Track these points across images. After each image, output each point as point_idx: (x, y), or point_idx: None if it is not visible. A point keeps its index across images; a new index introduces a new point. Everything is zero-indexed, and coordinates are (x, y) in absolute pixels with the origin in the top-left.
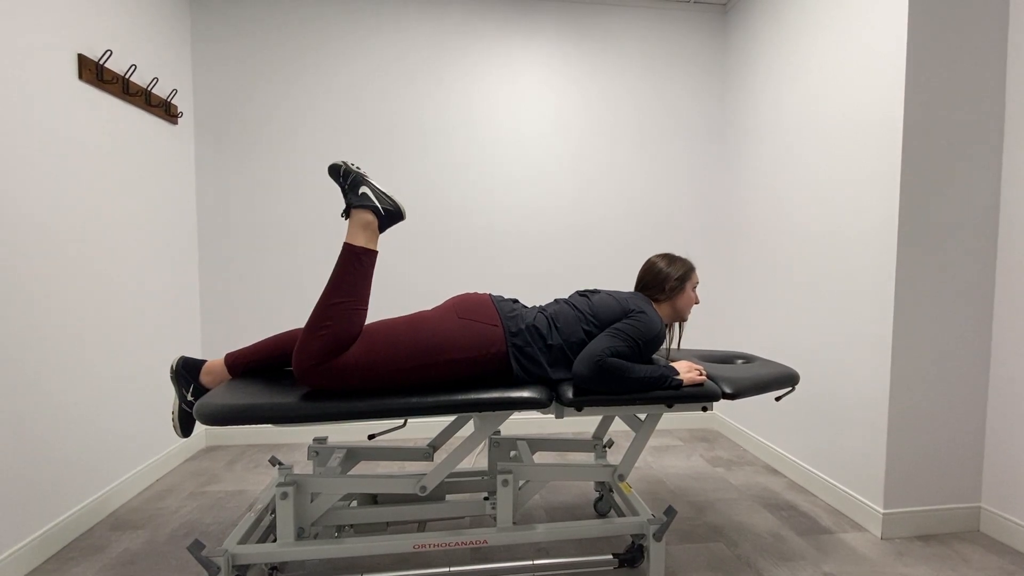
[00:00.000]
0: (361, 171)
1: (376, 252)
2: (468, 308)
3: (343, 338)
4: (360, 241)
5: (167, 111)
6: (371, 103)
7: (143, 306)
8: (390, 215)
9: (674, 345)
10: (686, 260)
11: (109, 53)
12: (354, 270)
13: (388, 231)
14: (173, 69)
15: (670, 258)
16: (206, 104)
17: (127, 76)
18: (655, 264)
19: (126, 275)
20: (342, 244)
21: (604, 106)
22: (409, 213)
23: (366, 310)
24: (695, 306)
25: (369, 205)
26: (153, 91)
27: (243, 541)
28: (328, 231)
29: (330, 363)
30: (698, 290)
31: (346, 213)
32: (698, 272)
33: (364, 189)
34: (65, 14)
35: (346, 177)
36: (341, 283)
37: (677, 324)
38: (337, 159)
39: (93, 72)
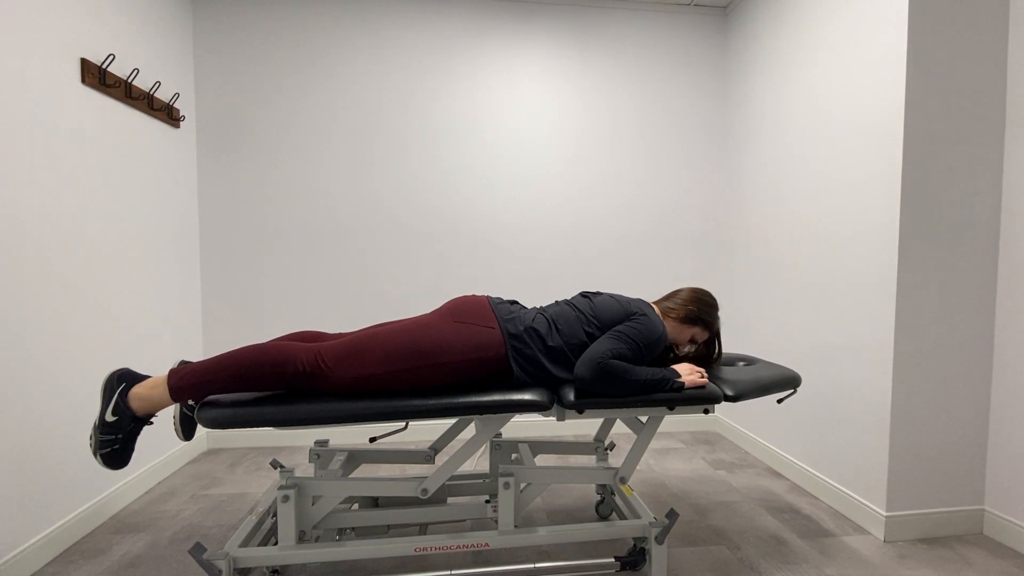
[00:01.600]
0: (89, 436)
1: (170, 371)
2: (464, 312)
3: (283, 359)
4: (163, 389)
5: (169, 115)
6: (372, 107)
7: (145, 308)
8: (120, 379)
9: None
10: (715, 315)
11: (112, 57)
12: (201, 376)
13: (385, 231)
14: (175, 73)
15: (702, 297)
16: (208, 108)
17: (129, 80)
18: (685, 290)
19: (128, 277)
20: (176, 403)
21: (605, 108)
22: (410, 215)
23: (243, 349)
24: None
25: (121, 403)
26: (155, 95)
27: (244, 544)
28: (330, 234)
29: (326, 368)
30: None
31: (149, 421)
32: (699, 276)
33: (107, 415)
34: (68, 19)
35: (110, 438)
36: (221, 379)
37: (715, 337)
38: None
39: (96, 76)
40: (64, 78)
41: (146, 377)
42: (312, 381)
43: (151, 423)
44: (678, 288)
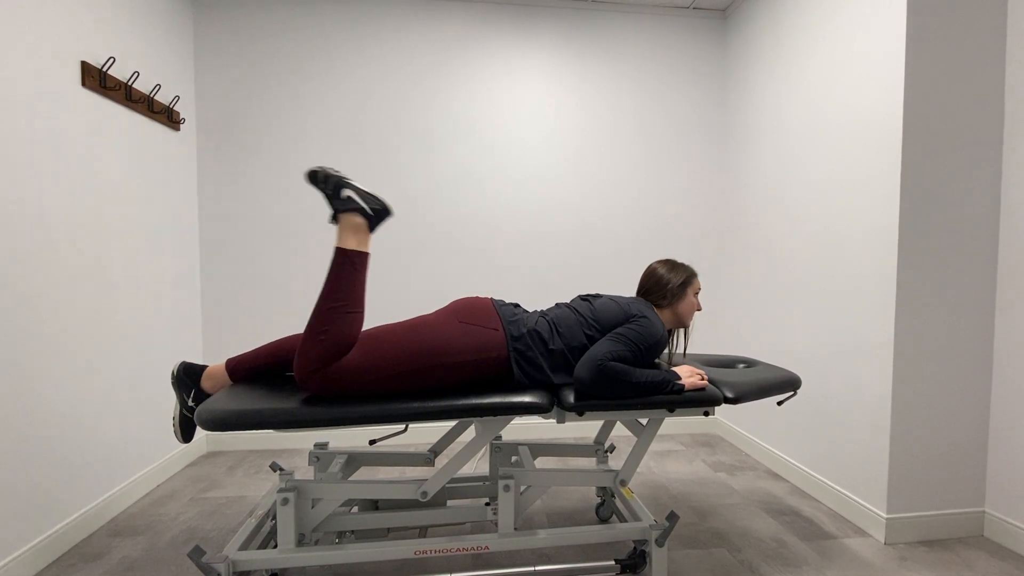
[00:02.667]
0: (340, 174)
1: (368, 254)
2: (469, 312)
3: (342, 342)
4: (351, 244)
5: (169, 117)
6: (373, 109)
7: (144, 311)
8: (378, 214)
9: (679, 350)
10: (687, 266)
11: (112, 60)
12: (348, 274)
13: (386, 232)
14: (175, 76)
15: (671, 264)
16: (208, 110)
17: (130, 83)
18: (656, 270)
19: (128, 280)
20: (333, 248)
21: (604, 110)
22: (411, 217)
23: (363, 313)
24: (697, 312)
25: (355, 207)
26: (155, 97)
27: (244, 547)
28: (330, 237)
29: (331, 368)
30: (700, 295)
31: (334, 218)
32: (700, 277)
33: (347, 192)
34: (68, 22)
35: (327, 182)
36: (336, 287)
37: (682, 330)
38: (314, 165)
39: (96, 79)
40: (64, 81)
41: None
42: (325, 373)
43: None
44: (646, 275)
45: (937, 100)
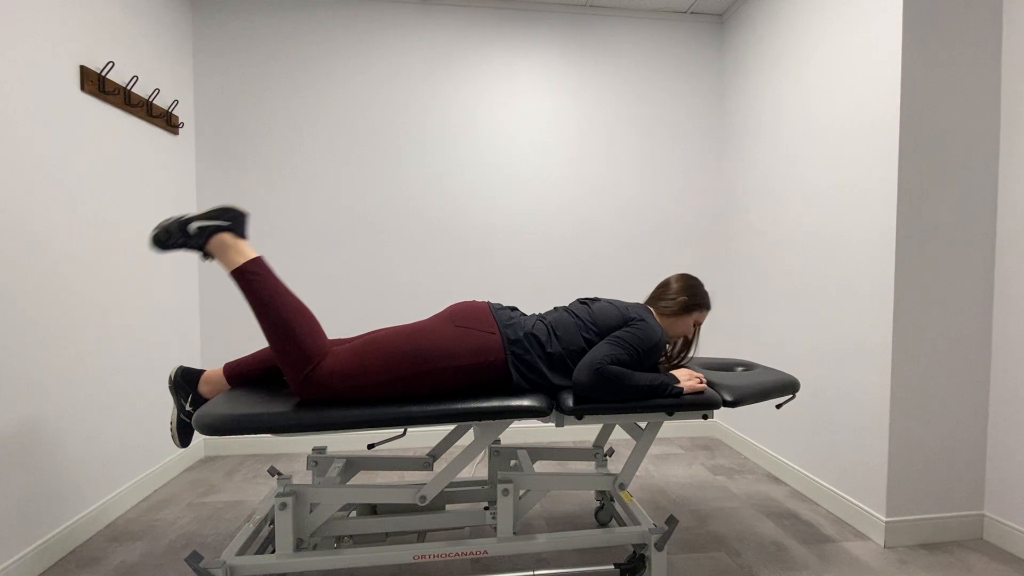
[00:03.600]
0: (172, 218)
1: (259, 257)
2: (465, 316)
3: (311, 341)
4: (238, 260)
5: (168, 122)
6: (372, 113)
7: (142, 316)
8: (232, 218)
9: (689, 354)
10: (704, 295)
11: (111, 65)
12: (259, 285)
13: (386, 234)
14: (174, 80)
15: (690, 283)
16: (207, 115)
17: (129, 87)
18: (672, 282)
19: (125, 285)
20: (229, 276)
21: (602, 114)
22: (411, 219)
23: (303, 305)
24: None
25: (211, 231)
26: (154, 102)
27: (241, 552)
28: (328, 240)
29: (326, 375)
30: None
31: (205, 256)
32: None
33: (193, 226)
34: (67, 26)
35: (174, 235)
36: (262, 302)
37: (692, 336)
38: (152, 232)
39: (95, 83)
40: (63, 85)
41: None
42: (314, 375)
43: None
44: (662, 281)
45: (934, 103)
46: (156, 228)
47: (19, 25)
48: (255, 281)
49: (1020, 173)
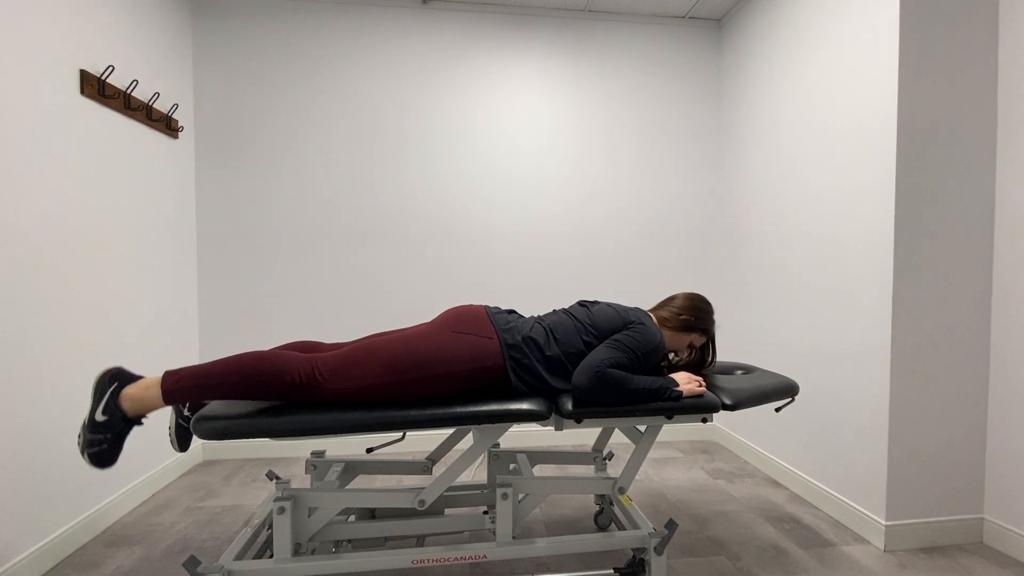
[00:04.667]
0: (78, 434)
1: (164, 372)
2: (462, 321)
3: (285, 372)
4: (156, 391)
5: (168, 125)
6: (370, 117)
7: (141, 319)
8: (113, 379)
9: (712, 360)
10: (710, 320)
11: (111, 69)
12: (195, 381)
13: (386, 236)
14: (174, 84)
15: (697, 304)
16: (206, 118)
17: (128, 91)
18: (679, 297)
19: (125, 288)
20: (168, 406)
21: (601, 117)
22: (408, 223)
23: (239, 356)
24: (682, 365)
25: (112, 403)
26: (154, 106)
27: (239, 557)
28: (328, 243)
29: (325, 384)
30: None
31: (139, 422)
32: (699, 282)
33: (98, 415)
34: (67, 30)
35: (100, 437)
36: (216, 387)
37: (710, 341)
38: (87, 463)
39: (95, 87)
40: (63, 89)
41: (139, 377)
42: (309, 392)
43: (141, 424)
44: (672, 295)
45: (931, 104)
46: (82, 453)
47: (20, 30)
48: (185, 383)
49: (1018, 174)
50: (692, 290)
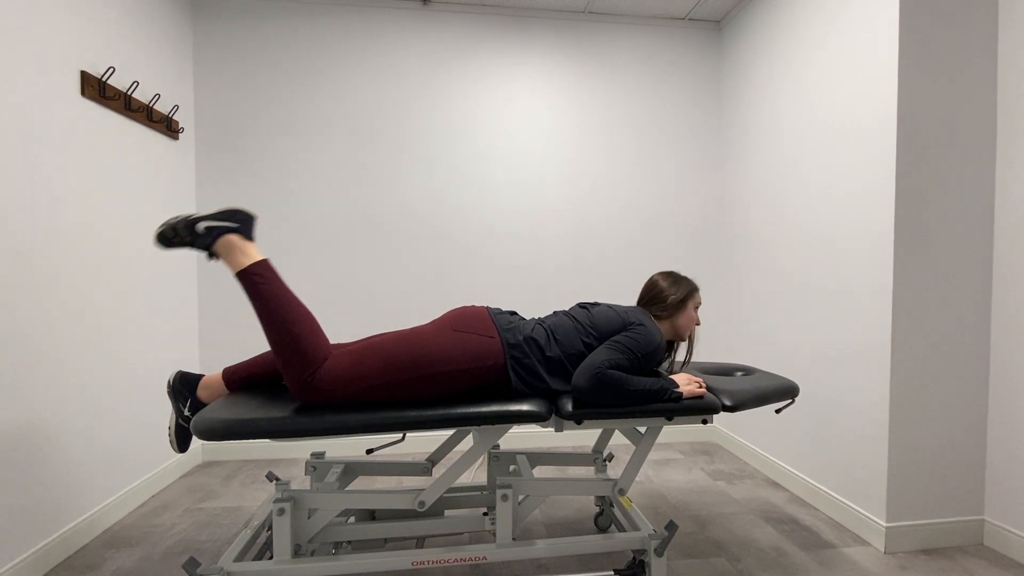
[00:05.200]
0: (180, 217)
1: (265, 259)
2: (465, 321)
3: (313, 345)
4: (244, 262)
5: (168, 126)
6: (372, 118)
7: (141, 320)
8: (241, 220)
9: (680, 360)
10: (689, 280)
11: (112, 70)
12: (265, 288)
13: (386, 237)
14: (175, 85)
15: (674, 277)
16: (207, 119)
17: (129, 92)
18: (657, 282)
19: (124, 289)
20: (235, 277)
21: (601, 119)
22: (411, 222)
23: (307, 310)
24: (696, 327)
25: (218, 231)
26: (155, 107)
27: (239, 558)
28: (327, 244)
29: (326, 380)
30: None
31: (211, 256)
32: (698, 284)
33: (201, 225)
34: (68, 32)
35: (181, 234)
36: (265, 307)
37: (687, 341)
38: (157, 228)
39: (95, 88)
40: (64, 90)
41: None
42: (316, 385)
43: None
44: (647, 285)
45: (931, 105)
46: (162, 225)
47: (20, 30)
48: (260, 284)
49: (1017, 175)
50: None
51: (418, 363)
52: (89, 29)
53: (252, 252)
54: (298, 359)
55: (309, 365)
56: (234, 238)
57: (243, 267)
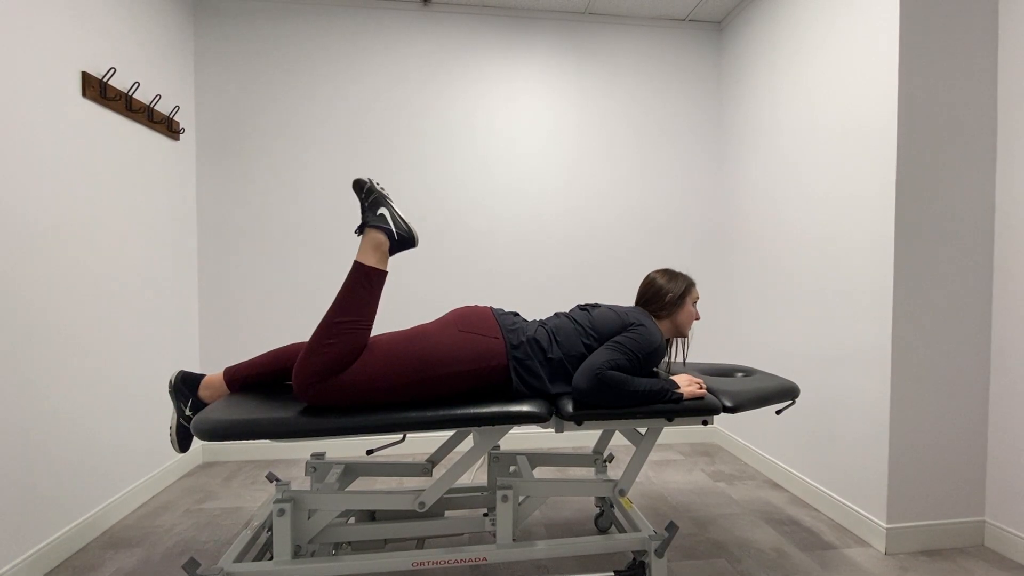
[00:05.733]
0: (384, 192)
1: (386, 272)
2: (469, 321)
3: (346, 356)
4: (371, 261)
5: (169, 127)
6: (373, 119)
7: (142, 320)
8: (403, 240)
9: (679, 359)
10: (686, 276)
11: (113, 71)
12: (363, 289)
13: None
14: (175, 86)
15: (670, 274)
16: (207, 120)
17: (130, 93)
18: (655, 280)
19: (126, 289)
20: (353, 262)
21: (601, 120)
22: (412, 223)
23: (370, 329)
24: (696, 322)
25: (384, 227)
26: (155, 108)
27: (239, 559)
28: (328, 245)
29: (329, 380)
30: (698, 303)
31: (360, 230)
32: (698, 285)
33: (383, 210)
34: (69, 32)
35: (368, 195)
36: (349, 301)
37: (681, 339)
38: (363, 176)
39: (96, 89)
40: (65, 91)
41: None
42: (319, 387)
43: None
44: (644, 285)
45: (931, 106)
46: (368, 180)
47: (21, 31)
48: (363, 284)
49: (1018, 175)
50: None
51: (424, 363)
52: (90, 30)
53: (384, 261)
54: (322, 360)
55: (325, 372)
56: (384, 240)
57: (368, 263)
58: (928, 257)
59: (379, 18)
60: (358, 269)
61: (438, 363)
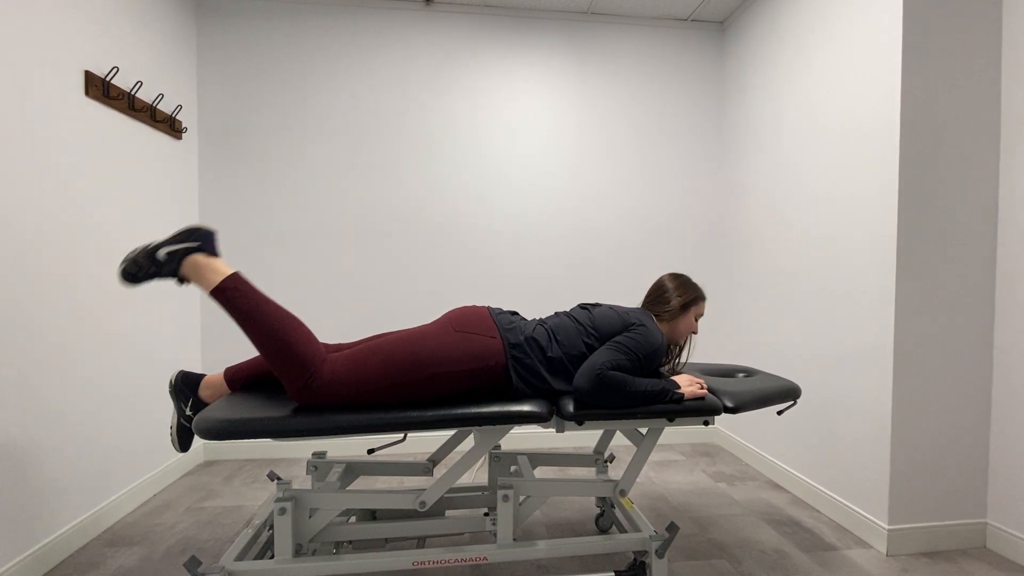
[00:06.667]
0: (139, 248)
1: (235, 272)
2: (466, 321)
3: (305, 349)
4: (215, 279)
5: (172, 126)
6: (374, 119)
7: (143, 319)
8: (201, 238)
9: (682, 360)
10: (698, 287)
11: (116, 70)
12: (242, 302)
13: (387, 238)
14: (178, 85)
15: (682, 280)
16: (210, 120)
17: (133, 92)
18: (665, 283)
19: (126, 289)
20: (209, 296)
21: (603, 120)
22: (412, 224)
23: (291, 314)
24: (693, 336)
25: (181, 254)
26: (158, 107)
27: (240, 558)
28: (329, 245)
29: (326, 382)
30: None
31: (180, 281)
32: (699, 286)
33: (161, 252)
34: (72, 31)
35: (144, 266)
36: (247, 319)
37: (686, 339)
38: (118, 267)
39: (99, 88)
40: (67, 90)
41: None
42: (317, 386)
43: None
44: (654, 285)
45: (934, 107)
46: (123, 261)
47: (24, 30)
48: (236, 297)
49: (1020, 175)
50: None
51: (420, 364)
52: (93, 29)
53: (221, 267)
54: (293, 366)
55: (305, 370)
56: (199, 257)
57: (215, 284)
58: (930, 257)
59: (381, 18)
60: (218, 295)
61: (434, 363)
